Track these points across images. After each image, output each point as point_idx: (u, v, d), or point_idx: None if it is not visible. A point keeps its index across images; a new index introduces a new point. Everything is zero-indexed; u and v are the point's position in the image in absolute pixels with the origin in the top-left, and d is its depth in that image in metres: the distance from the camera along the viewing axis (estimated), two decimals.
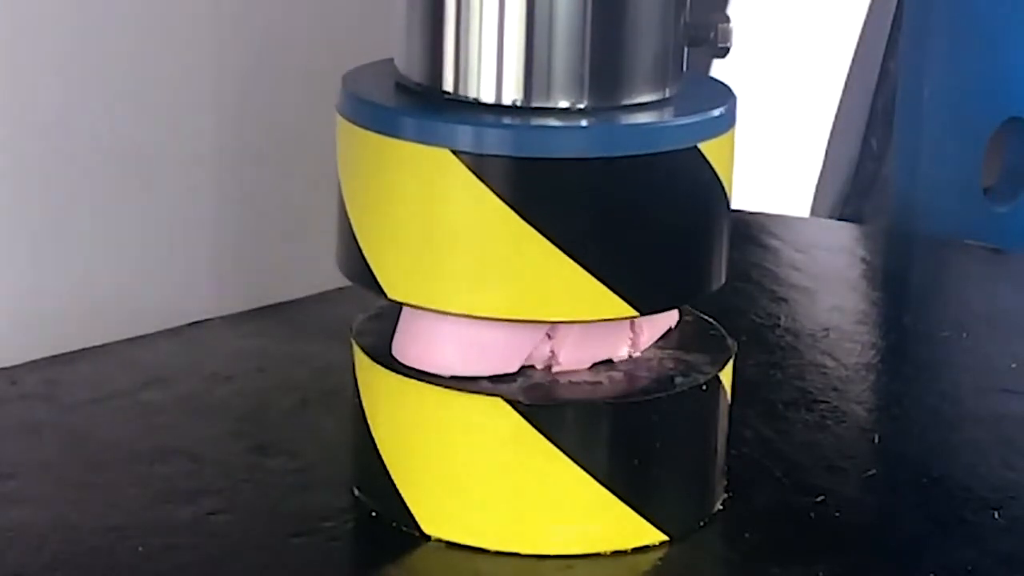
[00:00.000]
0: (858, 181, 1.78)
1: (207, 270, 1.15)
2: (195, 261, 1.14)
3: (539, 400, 0.81)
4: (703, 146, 0.81)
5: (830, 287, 1.26)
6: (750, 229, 1.33)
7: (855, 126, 1.77)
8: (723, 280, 0.86)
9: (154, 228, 1.12)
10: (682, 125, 0.81)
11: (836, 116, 1.75)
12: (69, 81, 1.07)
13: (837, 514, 0.87)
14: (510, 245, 0.79)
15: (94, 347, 1.06)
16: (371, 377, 0.84)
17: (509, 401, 0.81)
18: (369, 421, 0.85)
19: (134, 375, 1.02)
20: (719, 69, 1.72)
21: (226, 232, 1.15)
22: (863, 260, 1.37)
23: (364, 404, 0.85)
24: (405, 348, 0.83)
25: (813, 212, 1.75)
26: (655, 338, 0.87)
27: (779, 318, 1.14)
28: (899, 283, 1.34)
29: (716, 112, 0.83)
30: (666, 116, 0.82)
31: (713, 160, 0.82)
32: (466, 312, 0.80)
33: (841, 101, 1.75)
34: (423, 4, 0.82)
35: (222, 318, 1.13)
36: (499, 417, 0.81)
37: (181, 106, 1.13)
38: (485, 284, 0.79)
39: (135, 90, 1.10)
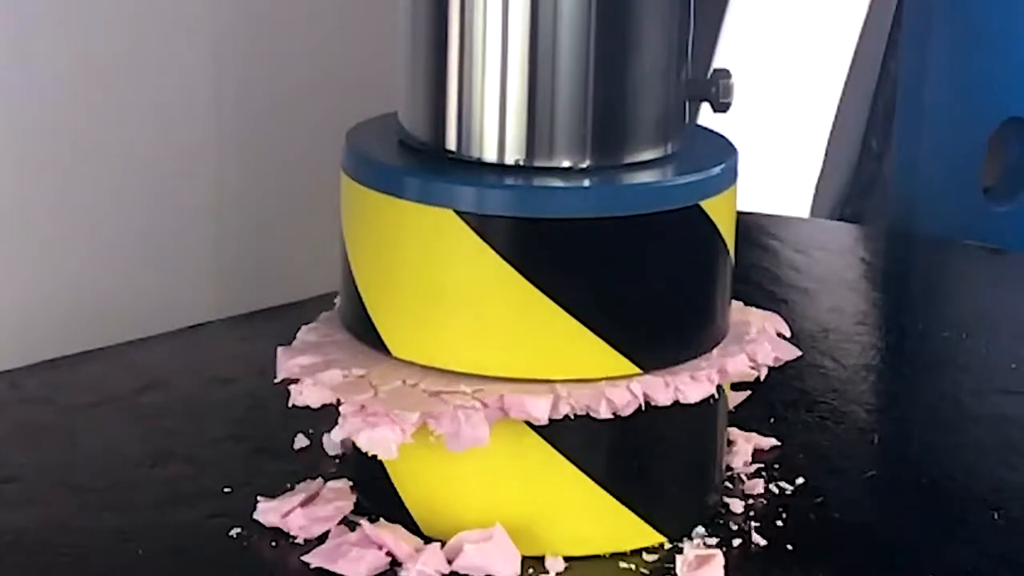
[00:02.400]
0: (858, 181, 1.78)
1: (207, 273, 1.15)
2: (195, 264, 1.14)
3: None
4: (705, 204, 0.82)
5: (829, 288, 1.26)
6: (749, 229, 1.33)
7: (855, 126, 1.77)
8: (727, 333, 0.86)
9: (154, 232, 1.12)
10: (684, 184, 0.82)
11: (836, 116, 1.75)
12: (69, 83, 1.07)
13: (837, 515, 0.87)
14: (513, 304, 0.79)
15: (94, 350, 1.06)
16: None
17: None
18: None
19: (134, 378, 1.02)
20: (720, 64, 1.72)
21: (226, 235, 1.16)
22: (863, 260, 1.37)
23: None
24: None
25: (813, 212, 1.75)
26: None
27: None
28: (899, 283, 1.34)
29: (717, 170, 0.83)
30: (668, 175, 0.82)
31: (715, 217, 0.83)
32: (469, 371, 0.80)
33: (841, 101, 1.75)
34: (426, 64, 0.83)
35: (222, 321, 1.13)
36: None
37: (181, 110, 1.13)
38: (488, 343, 0.80)
39: (135, 95, 1.10)
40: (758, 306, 0.94)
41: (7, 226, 1.06)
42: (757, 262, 1.28)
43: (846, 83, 1.75)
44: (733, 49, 1.72)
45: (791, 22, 1.75)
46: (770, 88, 1.72)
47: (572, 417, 0.79)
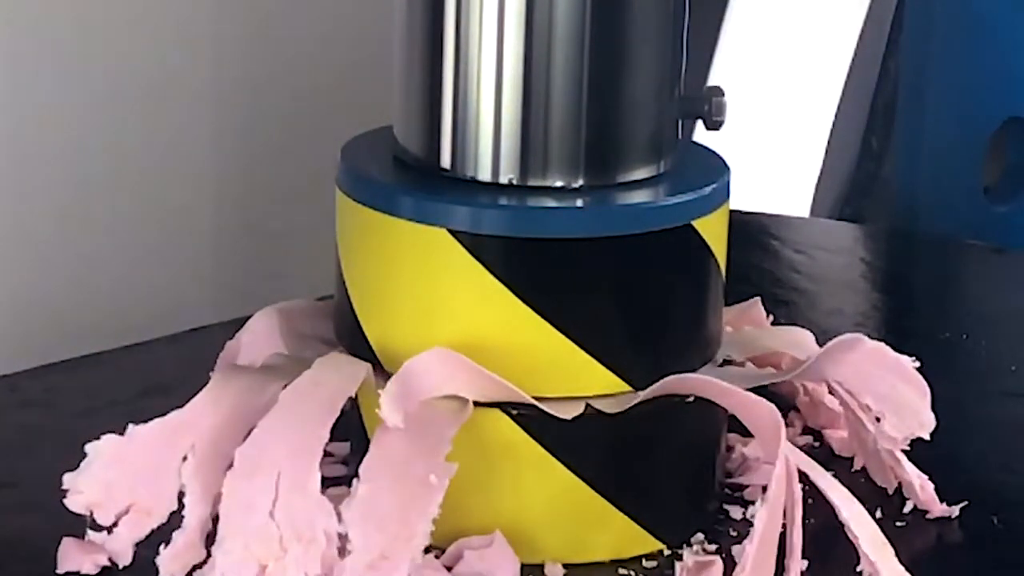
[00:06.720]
0: (858, 181, 1.78)
1: (206, 276, 1.15)
2: (194, 267, 1.14)
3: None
4: (697, 223, 0.82)
5: (830, 289, 1.26)
6: (750, 229, 1.32)
7: (855, 126, 1.76)
8: (718, 349, 0.87)
9: (153, 235, 1.12)
10: (676, 204, 0.82)
11: (836, 116, 1.75)
12: (68, 85, 1.07)
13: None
14: (506, 323, 0.80)
15: (93, 354, 1.06)
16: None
17: (506, 411, 0.81)
18: (367, 426, 0.85)
19: (134, 382, 1.02)
20: (721, 64, 1.72)
21: (225, 238, 1.16)
22: (863, 260, 1.37)
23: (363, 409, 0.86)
24: None
25: (813, 212, 1.75)
26: None
27: (779, 321, 1.14)
28: (900, 284, 1.34)
29: (709, 189, 0.84)
30: (660, 194, 0.83)
31: (707, 236, 0.83)
32: None
33: (841, 101, 1.74)
34: (421, 81, 0.83)
35: (221, 324, 1.13)
36: (496, 425, 0.81)
37: (181, 113, 1.13)
38: (480, 361, 0.80)
39: (135, 98, 1.10)
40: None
41: (5, 229, 1.06)
42: (757, 262, 1.27)
43: (846, 83, 1.74)
44: (733, 49, 1.72)
45: (791, 22, 1.75)
46: (770, 88, 1.71)
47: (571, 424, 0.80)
